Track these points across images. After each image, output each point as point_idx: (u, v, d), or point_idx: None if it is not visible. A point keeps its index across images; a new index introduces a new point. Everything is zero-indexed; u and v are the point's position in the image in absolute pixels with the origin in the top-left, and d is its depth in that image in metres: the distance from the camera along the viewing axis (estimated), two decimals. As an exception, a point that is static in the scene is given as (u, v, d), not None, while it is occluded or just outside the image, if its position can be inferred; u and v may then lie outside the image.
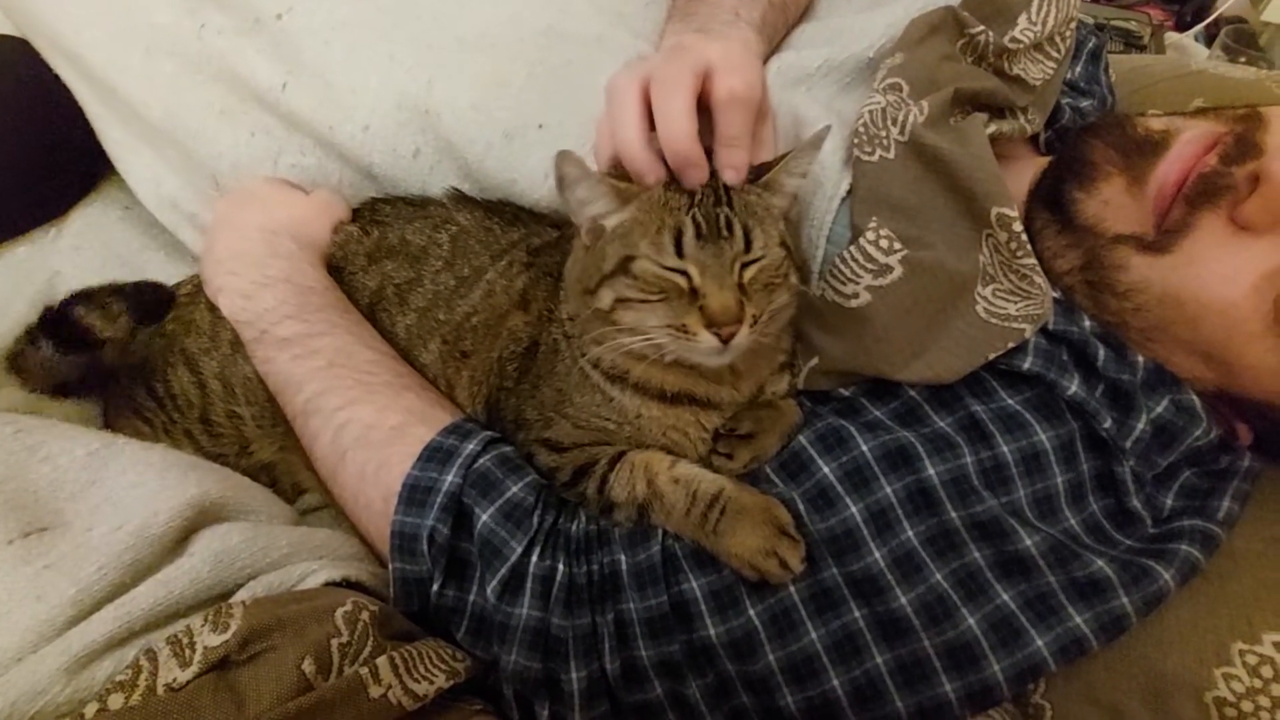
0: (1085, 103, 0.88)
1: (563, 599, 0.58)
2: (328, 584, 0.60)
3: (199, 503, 0.58)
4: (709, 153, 0.60)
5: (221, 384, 0.75)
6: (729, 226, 0.57)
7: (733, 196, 0.59)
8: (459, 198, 0.80)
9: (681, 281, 0.57)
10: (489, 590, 0.58)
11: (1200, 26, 1.43)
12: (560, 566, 0.59)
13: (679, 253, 0.57)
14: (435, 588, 0.59)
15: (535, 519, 0.60)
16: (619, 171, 0.62)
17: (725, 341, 0.57)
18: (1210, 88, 1.01)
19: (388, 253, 0.77)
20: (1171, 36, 1.40)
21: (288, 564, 0.59)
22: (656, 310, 0.58)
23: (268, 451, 0.75)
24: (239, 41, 0.84)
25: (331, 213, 0.79)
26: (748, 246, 0.58)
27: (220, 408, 0.74)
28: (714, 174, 0.60)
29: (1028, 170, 0.76)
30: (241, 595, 0.56)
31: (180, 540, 0.57)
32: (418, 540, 0.60)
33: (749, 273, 0.58)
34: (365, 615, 0.56)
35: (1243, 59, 1.27)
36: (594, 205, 0.60)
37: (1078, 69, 0.89)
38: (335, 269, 0.78)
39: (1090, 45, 0.91)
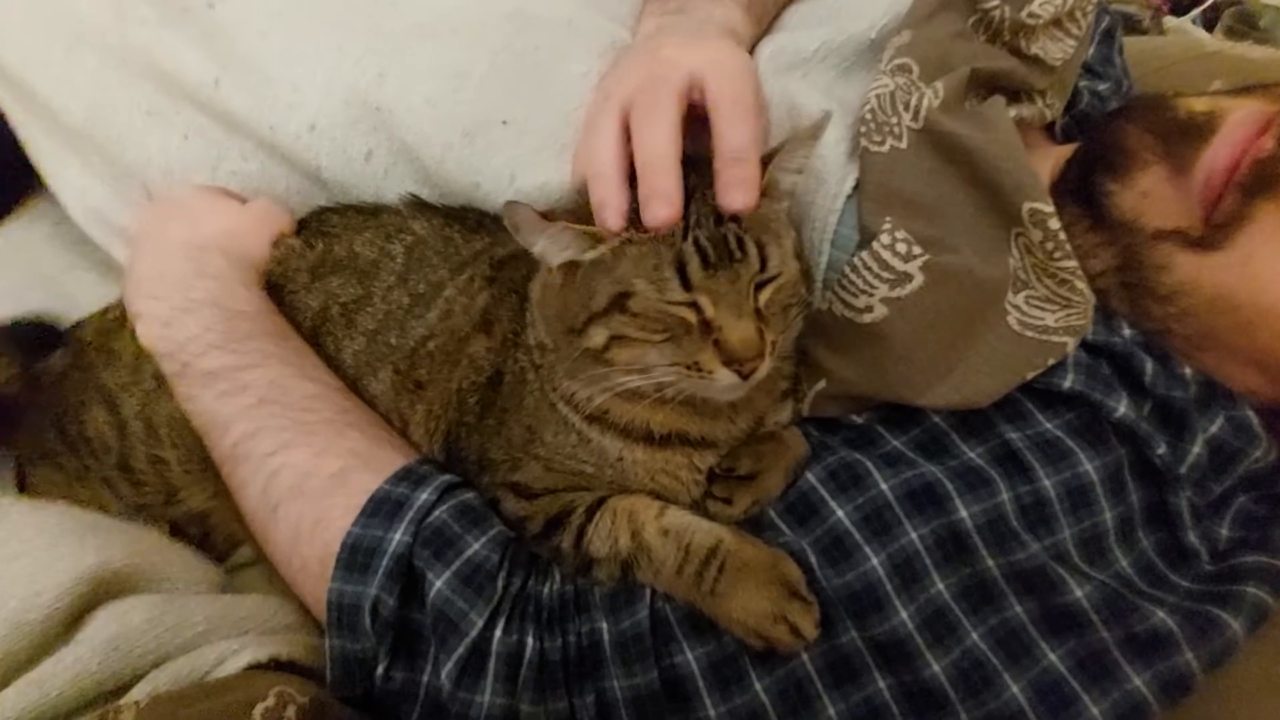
0: (1102, 86, 0.78)
1: (533, 680, 0.47)
2: (251, 666, 0.49)
3: (96, 575, 0.47)
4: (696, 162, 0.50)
5: (144, 424, 0.63)
6: (740, 246, 0.47)
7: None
8: (417, 204, 0.69)
9: (690, 316, 0.47)
10: (444, 673, 0.47)
11: (1198, 10, 1.34)
12: (529, 640, 0.48)
13: (685, 285, 0.46)
14: (381, 669, 0.48)
15: (499, 583, 0.49)
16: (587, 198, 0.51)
17: (745, 377, 0.46)
18: (1229, 69, 0.92)
19: (333, 268, 0.66)
20: (1170, 21, 1.31)
21: (203, 644, 0.48)
22: (662, 348, 0.47)
23: (199, 499, 0.63)
24: (165, 33, 0.72)
25: (270, 224, 0.68)
26: (764, 266, 0.47)
27: (142, 451, 0.63)
28: (705, 189, 0.49)
29: (1046, 161, 0.65)
30: (139, 691, 0.45)
31: (71, 622, 0.46)
32: (359, 612, 0.48)
33: (765, 295, 0.48)
34: (291, 711, 0.45)
35: (1249, 41, 1.19)
36: (562, 253, 0.50)
37: (1091, 50, 0.80)
38: (275, 288, 0.66)
39: (1104, 24, 0.81)
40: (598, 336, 0.48)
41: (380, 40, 0.69)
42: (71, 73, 0.74)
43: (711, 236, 0.47)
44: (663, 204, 0.46)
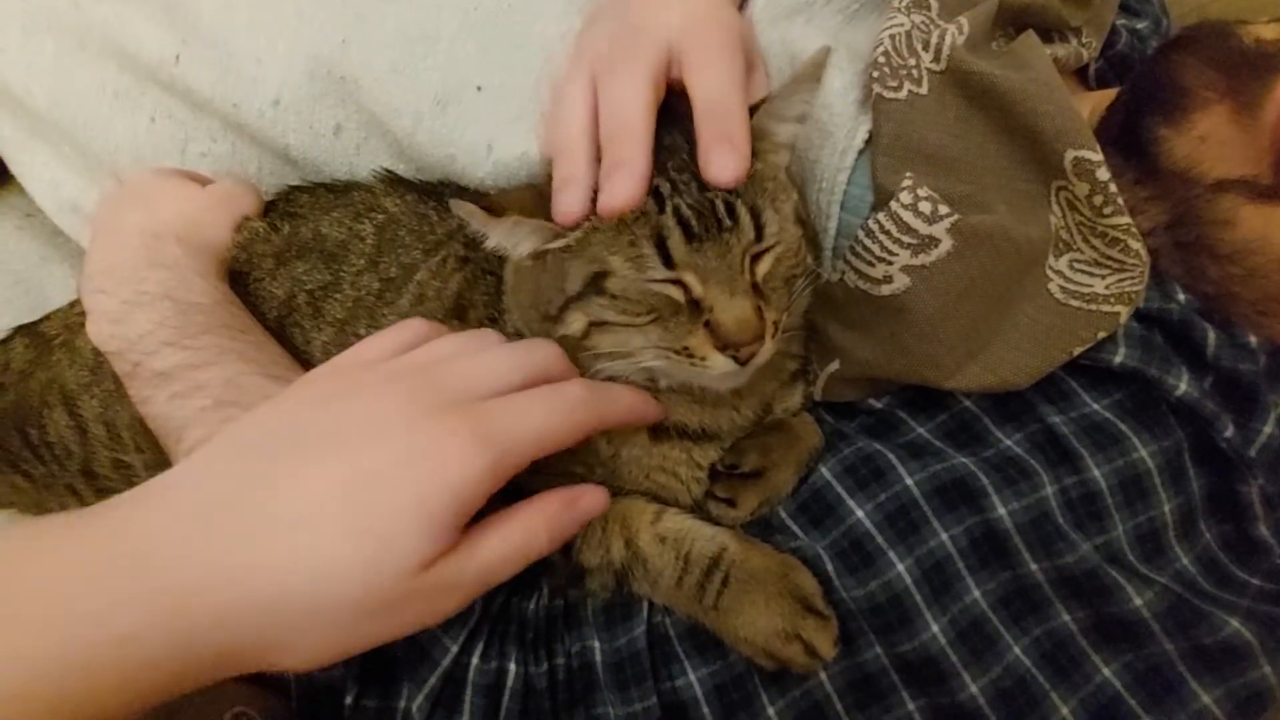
0: (1141, 24, 0.68)
1: (516, 711, 0.41)
2: None
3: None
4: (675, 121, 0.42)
5: (105, 427, 0.57)
6: (730, 212, 0.39)
7: None
8: (391, 180, 0.62)
9: (677, 295, 0.39)
10: (415, 708, 0.41)
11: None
12: (511, 666, 0.41)
13: (667, 263, 0.39)
14: (350, 698, 0.42)
15: (477, 602, 0.43)
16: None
17: (743, 363, 0.39)
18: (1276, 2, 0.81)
19: (299, 252, 0.58)
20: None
21: None
22: (646, 332, 0.40)
23: (167, 506, 0.57)
24: (124, 8, 0.65)
25: (233, 207, 0.61)
26: (759, 234, 0.40)
27: (105, 456, 0.57)
28: (688, 149, 0.41)
29: (1083, 108, 0.56)
30: None
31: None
32: None
33: (762, 266, 0.40)
34: (253, 738, 0.40)
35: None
36: (523, 245, 0.42)
37: None
38: (240, 276, 0.59)
39: None
40: (575, 323, 0.41)
41: (342, 5, 0.62)
42: (31, 57, 0.68)
43: (696, 204, 0.39)
44: (624, 176, 0.38)
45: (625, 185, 0.38)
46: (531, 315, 0.44)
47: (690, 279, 0.39)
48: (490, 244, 0.42)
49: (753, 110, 0.42)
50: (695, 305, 0.39)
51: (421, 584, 0.32)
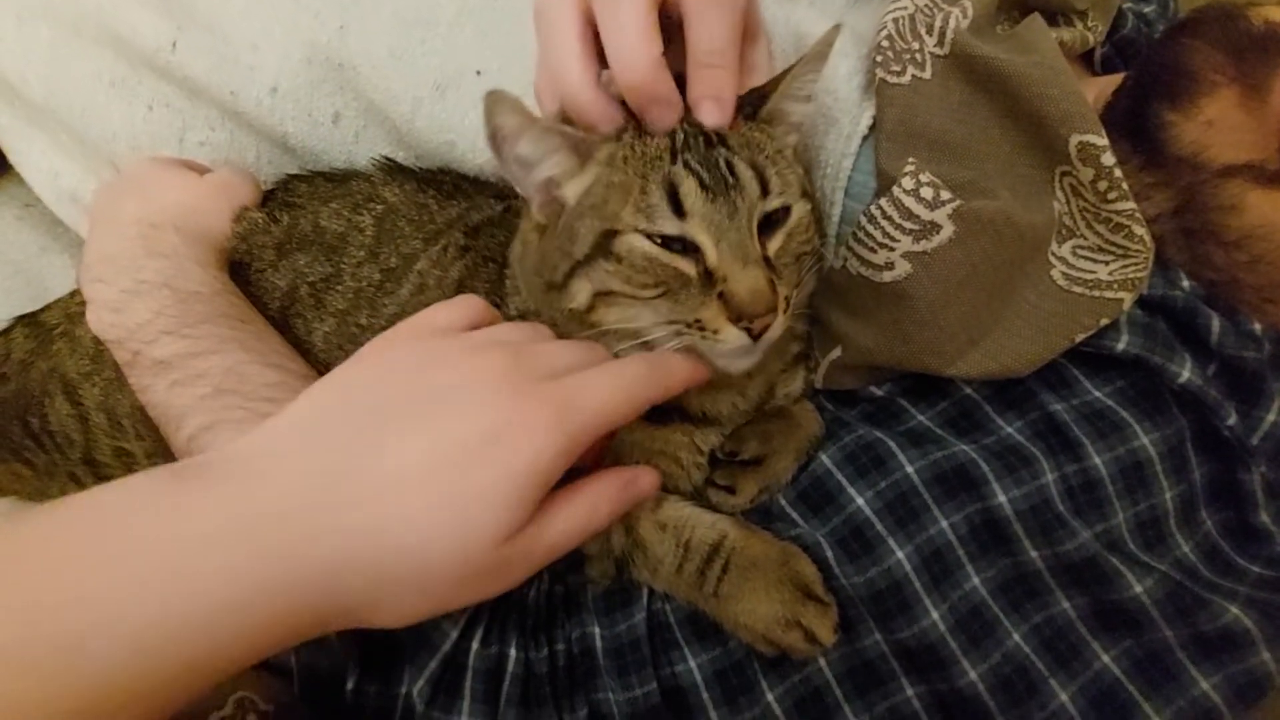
0: (1147, 7, 0.67)
1: (517, 696, 0.41)
2: None
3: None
4: (681, 85, 0.40)
5: (106, 416, 0.57)
6: (731, 171, 0.38)
7: (726, 134, 0.40)
8: (389, 168, 0.61)
9: (688, 267, 0.38)
10: (415, 692, 0.41)
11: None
12: (511, 651, 0.41)
13: (678, 212, 0.38)
14: (351, 684, 0.42)
15: (477, 588, 0.43)
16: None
17: (756, 337, 0.38)
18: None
19: (300, 243, 0.58)
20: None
21: None
22: (655, 305, 0.39)
23: (169, 494, 0.57)
24: (120, -6, 0.64)
25: (232, 196, 0.60)
26: (764, 190, 0.39)
27: (107, 445, 0.57)
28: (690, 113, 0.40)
29: (1089, 93, 0.55)
30: None
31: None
32: None
33: (774, 242, 0.40)
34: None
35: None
36: (544, 165, 0.41)
37: None
38: (241, 266, 0.59)
39: None
40: (581, 294, 0.40)
41: (340, -12, 0.61)
42: (26, 45, 0.67)
43: (705, 161, 0.38)
44: (665, 110, 0.38)
45: (668, 114, 0.39)
46: (536, 283, 0.43)
47: (704, 240, 0.38)
48: (520, 149, 0.40)
49: (768, 89, 0.41)
50: (708, 277, 0.38)
51: (505, 553, 0.33)
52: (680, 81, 0.40)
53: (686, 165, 0.38)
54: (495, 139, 0.40)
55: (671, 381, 0.38)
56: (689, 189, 0.38)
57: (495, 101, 0.38)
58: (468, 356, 0.35)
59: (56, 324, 0.63)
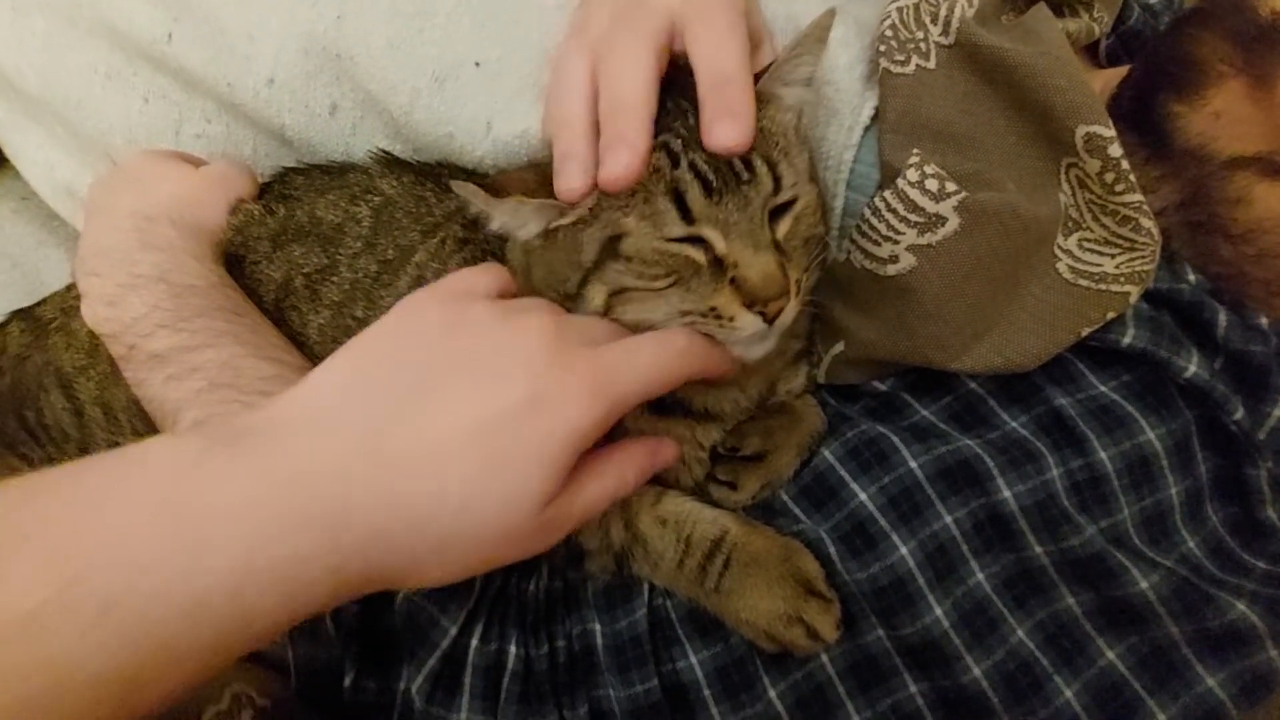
0: (1154, -1, 0.67)
1: (517, 692, 0.40)
2: None
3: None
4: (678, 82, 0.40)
5: (102, 410, 0.56)
6: (748, 166, 0.38)
7: None
8: (387, 161, 0.60)
9: (698, 256, 0.38)
10: (414, 689, 0.41)
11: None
12: (511, 648, 0.41)
13: (686, 218, 0.38)
14: (349, 679, 0.42)
15: (476, 583, 0.42)
16: None
17: (771, 321, 0.38)
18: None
19: (296, 234, 0.57)
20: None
21: None
22: (669, 296, 0.39)
23: (165, 489, 0.57)
24: (112, -18, 0.64)
25: (228, 189, 0.60)
26: (777, 186, 0.38)
27: (102, 439, 0.56)
28: (691, 105, 0.39)
29: (1094, 85, 0.55)
30: None
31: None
32: (320, 620, 0.42)
33: (783, 226, 0.39)
34: (247, 716, 0.39)
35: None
36: (528, 225, 0.41)
37: None
38: (236, 259, 0.58)
39: None
40: (597, 297, 0.40)
41: (337, -22, 0.60)
42: (21, 36, 0.66)
43: (710, 160, 0.38)
44: (623, 149, 0.36)
45: (623, 158, 0.36)
46: (550, 296, 0.43)
47: (711, 234, 0.38)
48: (494, 226, 0.41)
49: (759, 76, 0.40)
50: (718, 265, 0.38)
51: (542, 518, 0.34)
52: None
53: (692, 167, 0.38)
54: (469, 211, 0.41)
55: (709, 359, 0.38)
56: (695, 194, 0.38)
57: (459, 189, 0.40)
58: (505, 321, 0.35)
59: (52, 318, 0.62)
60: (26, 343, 0.61)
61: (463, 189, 0.39)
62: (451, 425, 0.33)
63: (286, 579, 0.29)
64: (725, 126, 0.36)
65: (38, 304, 0.65)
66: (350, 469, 0.32)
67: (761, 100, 0.40)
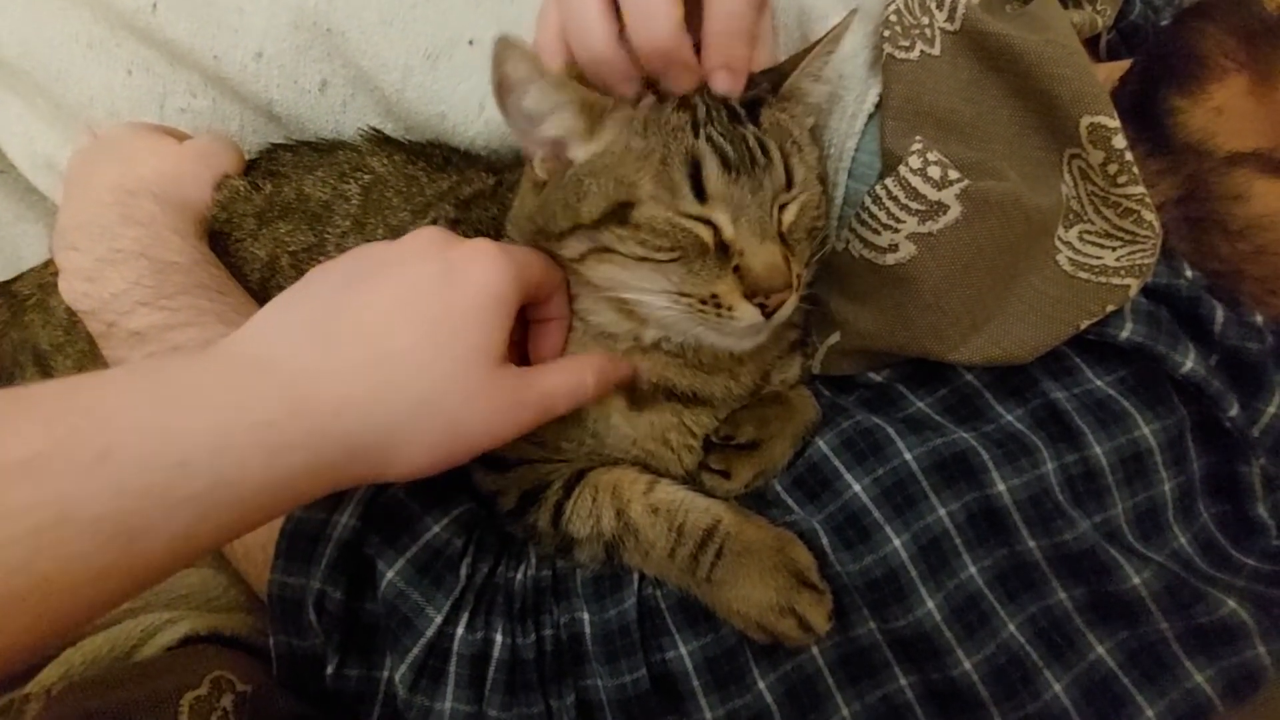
0: (1155, -7, 0.66)
1: (503, 682, 0.40)
2: (189, 641, 0.42)
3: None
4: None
5: (80, 389, 0.55)
6: (764, 151, 0.37)
7: (760, 112, 0.39)
8: (378, 139, 0.59)
9: (705, 234, 0.37)
10: (399, 677, 0.40)
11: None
12: (498, 637, 0.40)
13: (699, 194, 0.37)
14: (331, 668, 0.41)
15: (462, 571, 0.41)
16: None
17: (770, 313, 0.38)
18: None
19: (282, 212, 0.56)
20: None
21: (127, 619, 0.41)
22: (668, 271, 0.38)
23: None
24: (95, -50, 0.62)
25: (212, 164, 0.58)
26: (789, 181, 0.38)
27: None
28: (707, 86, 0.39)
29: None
30: (48, 674, 0.37)
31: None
32: (302, 607, 0.40)
33: (788, 215, 0.39)
34: (228, 701, 0.38)
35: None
36: (551, 122, 0.39)
37: None
38: (221, 236, 0.57)
39: None
40: (578, 247, 0.39)
41: (328, -50, 0.58)
42: (0, 4, 0.64)
43: (729, 137, 0.37)
44: (685, 73, 0.37)
45: (687, 78, 0.38)
46: (527, 227, 0.42)
47: (721, 218, 0.37)
48: (528, 101, 0.39)
49: (788, 68, 0.40)
50: (723, 250, 0.38)
51: (500, 380, 0.37)
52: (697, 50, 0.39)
53: (710, 140, 0.37)
54: (502, 88, 0.39)
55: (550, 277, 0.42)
56: (711, 168, 0.37)
57: (506, 48, 0.37)
58: (399, 241, 0.39)
59: (29, 294, 0.61)
60: (3, 320, 0.60)
61: (509, 51, 0.37)
62: (384, 305, 0.36)
63: (262, 443, 0.32)
64: (722, 75, 0.38)
65: (14, 279, 0.63)
66: (302, 351, 0.35)
67: (789, 97, 0.40)
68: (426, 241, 0.38)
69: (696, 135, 0.37)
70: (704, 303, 0.38)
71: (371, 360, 0.35)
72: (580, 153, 0.40)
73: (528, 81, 0.38)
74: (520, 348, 0.44)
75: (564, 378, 0.39)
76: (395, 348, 0.35)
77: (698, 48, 0.39)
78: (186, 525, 0.30)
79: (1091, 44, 0.62)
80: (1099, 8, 0.57)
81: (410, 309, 0.36)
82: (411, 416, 0.35)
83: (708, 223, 0.37)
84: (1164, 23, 0.61)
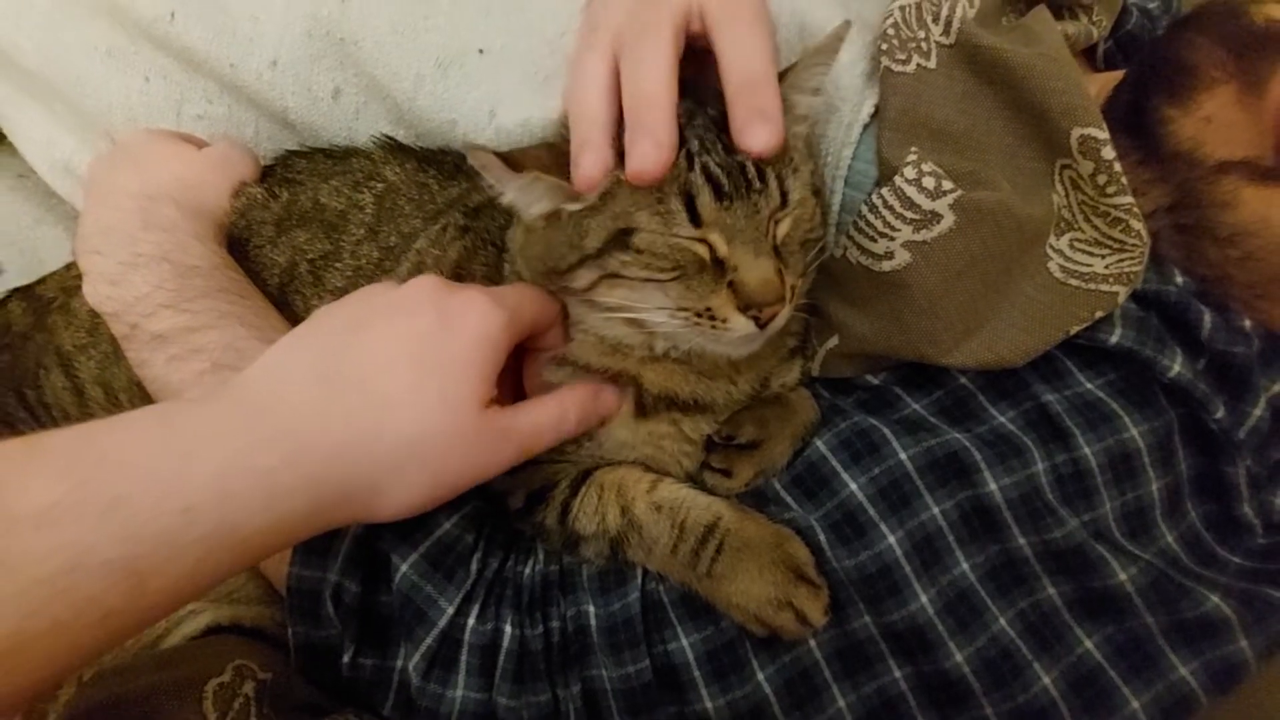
0: (1151, 3, 0.67)
1: (511, 671, 0.41)
2: (211, 630, 0.44)
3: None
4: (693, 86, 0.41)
5: (103, 389, 0.56)
6: (760, 176, 0.39)
7: None
8: (390, 147, 0.61)
9: (703, 251, 0.39)
10: (411, 666, 0.41)
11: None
12: (507, 628, 0.42)
13: (694, 220, 0.39)
14: (347, 657, 0.43)
15: (473, 565, 0.43)
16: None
17: (764, 325, 0.39)
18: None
19: (299, 219, 0.58)
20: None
21: None
22: (668, 288, 0.40)
23: (165, 468, 0.57)
24: (114, -40, 0.63)
25: (230, 171, 0.60)
26: (784, 200, 0.40)
27: (102, 418, 0.57)
28: (714, 111, 0.40)
29: (1090, 89, 0.56)
30: None
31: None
32: (319, 600, 0.42)
33: (782, 229, 0.40)
34: (249, 688, 0.40)
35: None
36: (538, 203, 0.42)
37: None
38: (240, 242, 0.59)
39: None
40: (588, 276, 0.41)
41: (342, -39, 0.60)
42: (20, 10, 0.66)
43: (723, 164, 0.39)
44: (651, 144, 0.37)
45: (651, 153, 0.38)
46: (537, 268, 0.44)
47: (715, 239, 0.39)
48: (506, 199, 0.42)
49: (781, 79, 0.41)
50: (719, 265, 0.39)
51: (484, 423, 0.39)
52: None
53: (705, 170, 0.39)
54: (482, 179, 0.42)
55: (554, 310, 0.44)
56: (705, 199, 0.39)
57: (475, 155, 0.40)
58: (400, 289, 0.42)
59: (53, 297, 0.63)
60: (28, 322, 0.62)
61: (478, 157, 0.40)
62: (382, 352, 0.39)
63: (262, 487, 0.34)
64: (758, 130, 0.38)
65: (38, 282, 0.65)
66: (304, 396, 0.37)
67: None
68: (426, 291, 0.40)
69: (691, 167, 0.39)
70: (700, 315, 0.39)
71: (368, 406, 0.37)
72: (574, 206, 0.41)
73: (501, 182, 0.41)
74: (515, 375, 0.46)
75: (546, 414, 0.41)
76: (391, 394, 0.37)
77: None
78: (191, 567, 0.32)
79: (1089, 53, 0.63)
80: (1095, 18, 0.58)
81: (407, 357, 0.38)
82: (403, 460, 0.37)
83: (704, 241, 0.39)
84: (1159, 32, 0.62)
